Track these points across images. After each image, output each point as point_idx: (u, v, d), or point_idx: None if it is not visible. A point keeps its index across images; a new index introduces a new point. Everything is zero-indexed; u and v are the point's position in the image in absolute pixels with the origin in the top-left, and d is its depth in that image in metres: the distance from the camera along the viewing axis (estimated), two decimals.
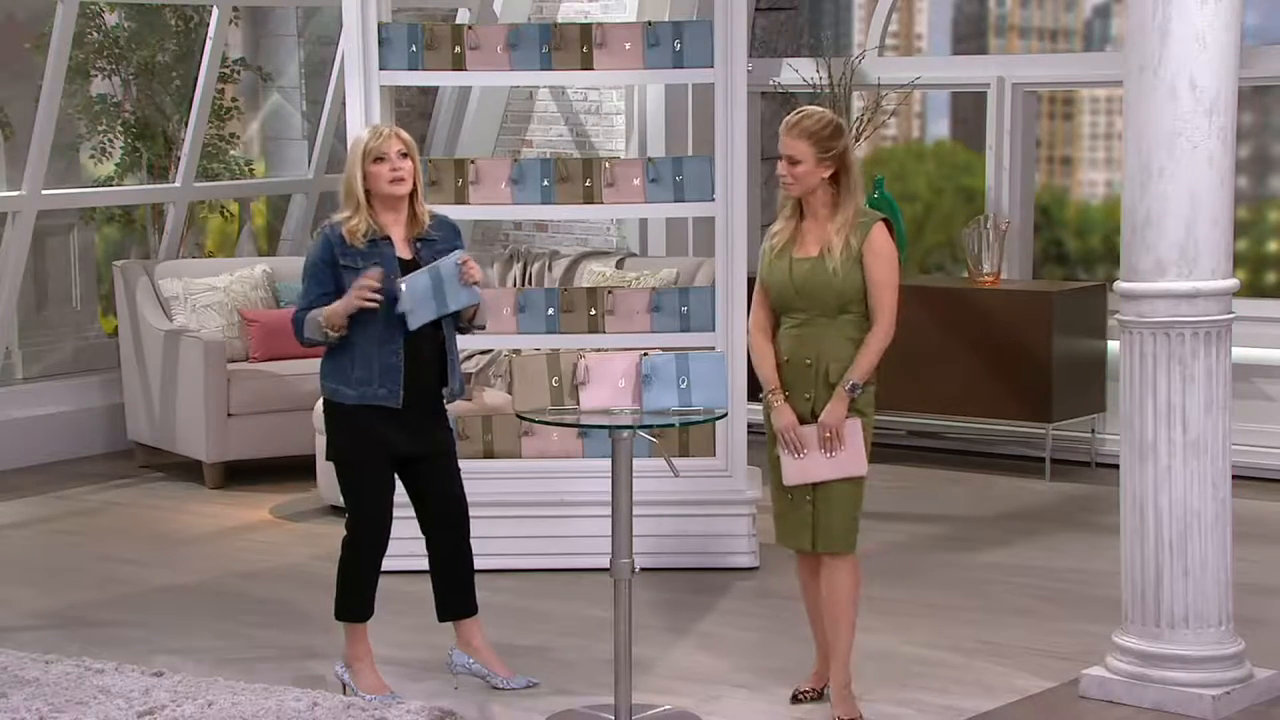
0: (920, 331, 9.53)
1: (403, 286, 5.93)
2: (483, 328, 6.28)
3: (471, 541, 6.31)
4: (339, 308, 5.98)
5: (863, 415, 5.85)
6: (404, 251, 6.08)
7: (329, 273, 6.04)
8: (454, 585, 6.31)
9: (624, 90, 10.73)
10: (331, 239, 6.06)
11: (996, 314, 9.58)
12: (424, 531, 6.28)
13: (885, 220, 5.87)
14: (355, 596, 6.21)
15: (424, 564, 6.35)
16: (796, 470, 5.86)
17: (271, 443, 9.59)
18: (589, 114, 10.89)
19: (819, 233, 5.86)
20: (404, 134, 6.09)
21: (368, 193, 6.05)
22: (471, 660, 6.31)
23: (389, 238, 6.06)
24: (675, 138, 10.69)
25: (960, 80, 10.49)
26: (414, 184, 6.08)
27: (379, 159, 6.02)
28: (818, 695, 6.14)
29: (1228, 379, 5.99)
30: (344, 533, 6.20)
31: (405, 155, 6.04)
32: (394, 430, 6.08)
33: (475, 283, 6.02)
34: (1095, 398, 9.68)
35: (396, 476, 6.21)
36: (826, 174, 5.83)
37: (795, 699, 6.16)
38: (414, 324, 5.97)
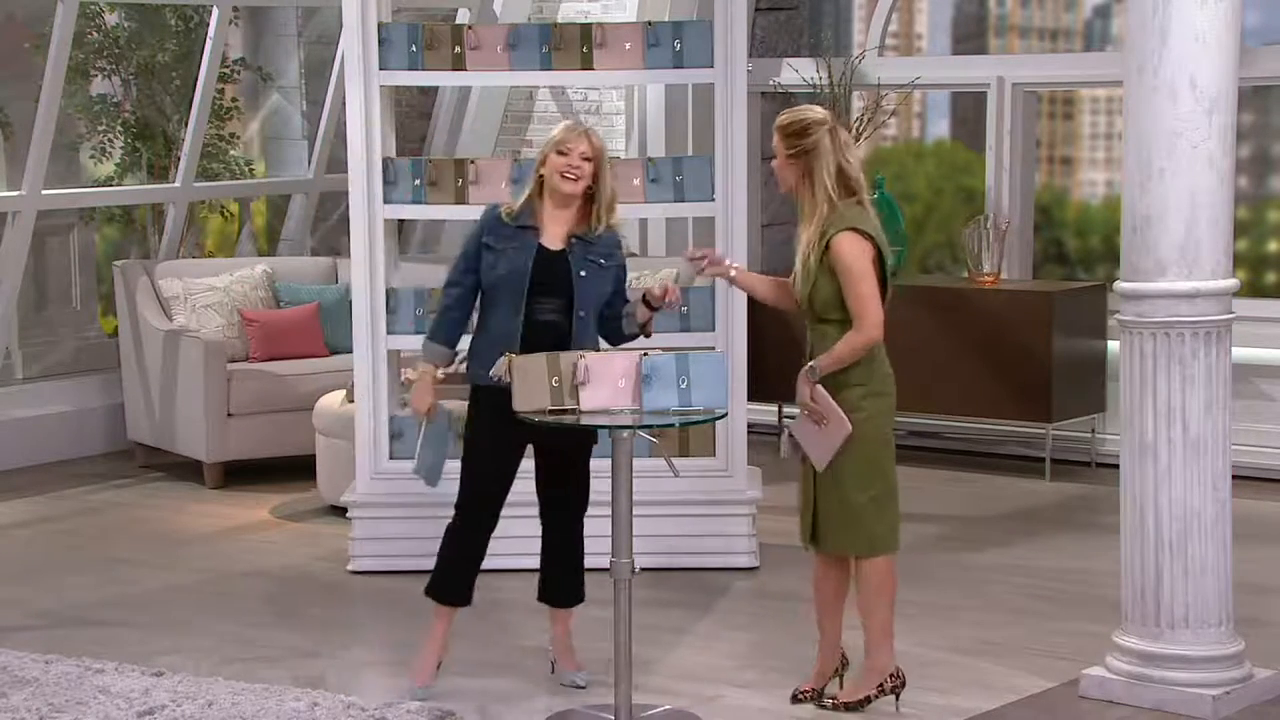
0: (920, 331, 9.53)
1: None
2: (649, 334, 6.27)
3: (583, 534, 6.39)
4: (415, 397, 6.23)
5: (855, 411, 5.88)
6: (553, 243, 6.12)
7: (477, 251, 6.14)
8: (558, 571, 6.38)
9: (624, 90, 10.73)
10: (490, 217, 6.16)
11: (996, 314, 9.58)
12: (543, 518, 6.37)
13: (852, 229, 5.85)
14: (437, 575, 6.26)
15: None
16: (816, 456, 5.94)
17: (271, 443, 9.60)
18: (589, 114, 10.89)
19: (802, 237, 5.95)
20: (596, 140, 6.15)
21: (541, 180, 6.11)
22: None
23: (536, 227, 6.12)
24: (675, 138, 10.70)
25: (960, 80, 10.49)
26: (594, 189, 6.11)
27: (562, 152, 6.08)
28: (818, 695, 6.15)
29: (1228, 379, 5.99)
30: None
31: (589, 159, 6.09)
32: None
33: (674, 300, 6.08)
34: (1095, 398, 9.68)
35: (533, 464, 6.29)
36: (798, 172, 5.88)
37: (795, 699, 6.17)
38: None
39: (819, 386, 5.86)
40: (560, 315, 6.12)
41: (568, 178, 6.08)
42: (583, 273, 6.11)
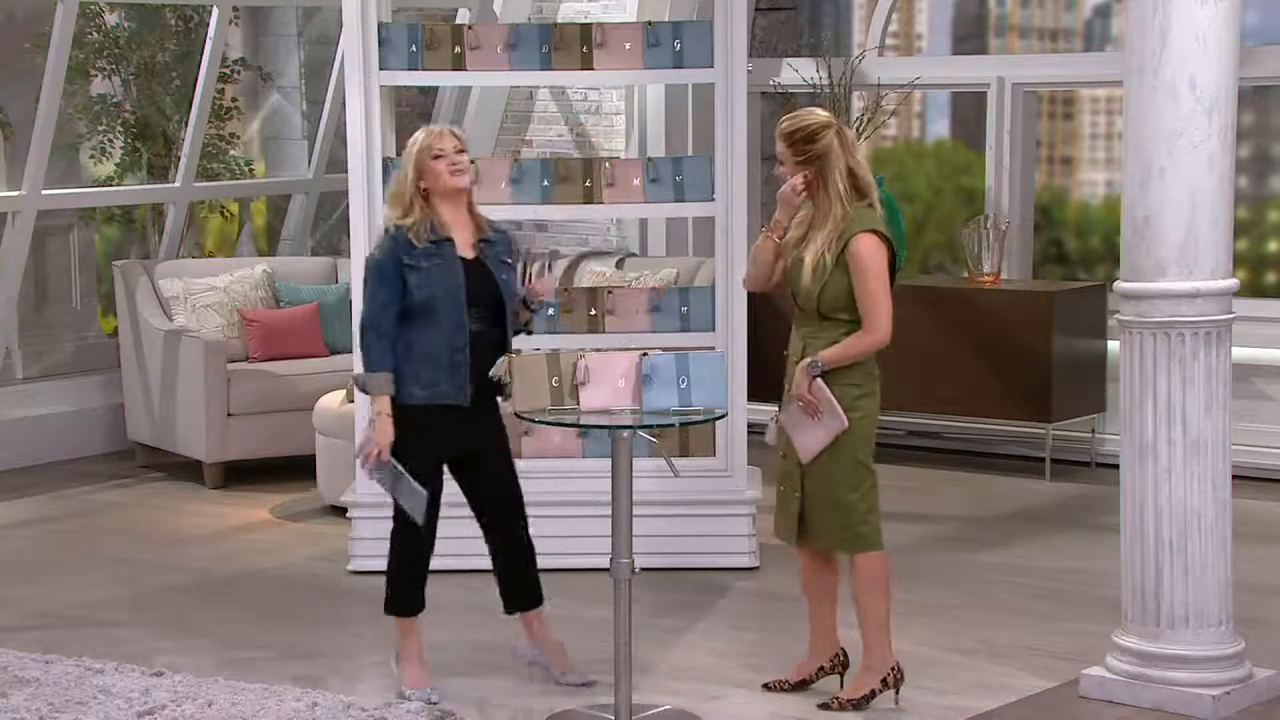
0: (920, 331, 9.52)
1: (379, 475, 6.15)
2: (531, 332, 6.34)
3: (531, 534, 6.35)
4: (381, 434, 6.08)
5: (852, 411, 5.89)
6: (466, 252, 6.11)
7: (397, 273, 6.06)
8: (519, 578, 6.35)
9: (624, 90, 10.73)
10: (399, 239, 6.08)
11: (996, 314, 9.58)
12: (481, 526, 6.34)
13: (873, 231, 5.87)
14: (398, 590, 6.26)
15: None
16: (803, 447, 5.95)
17: (271, 443, 9.60)
18: (589, 114, 10.89)
19: (815, 235, 5.92)
20: (458, 130, 6.16)
21: (426, 192, 6.07)
22: (535, 650, 6.37)
23: (451, 239, 6.09)
24: (675, 138, 10.70)
25: (960, 80, 10.49)
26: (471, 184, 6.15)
27: (437, 155, 6.05)
28: (791, 688, 6.19)
29: (1228, 379, 5.99)
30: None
31: (461, 151, 6.10)
32: (456, 425, 6.11)
33: (543, 298, 6.14)
34: (1095, 398, 9.68)
35: (450, 476, 6.27)
36: (810, 178, 5.89)
37: (766, 686, 6.23)
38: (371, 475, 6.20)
39: (818, 380, 5.87)
40: (485, 323, 6.10)
41: (456, 173, 6.07)
42: (504, 275, 6.13)
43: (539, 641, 6.38)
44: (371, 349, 6.09)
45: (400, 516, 6.18)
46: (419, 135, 6.13)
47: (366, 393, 6.17)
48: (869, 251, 5.85)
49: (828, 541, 6.04)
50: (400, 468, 6.07)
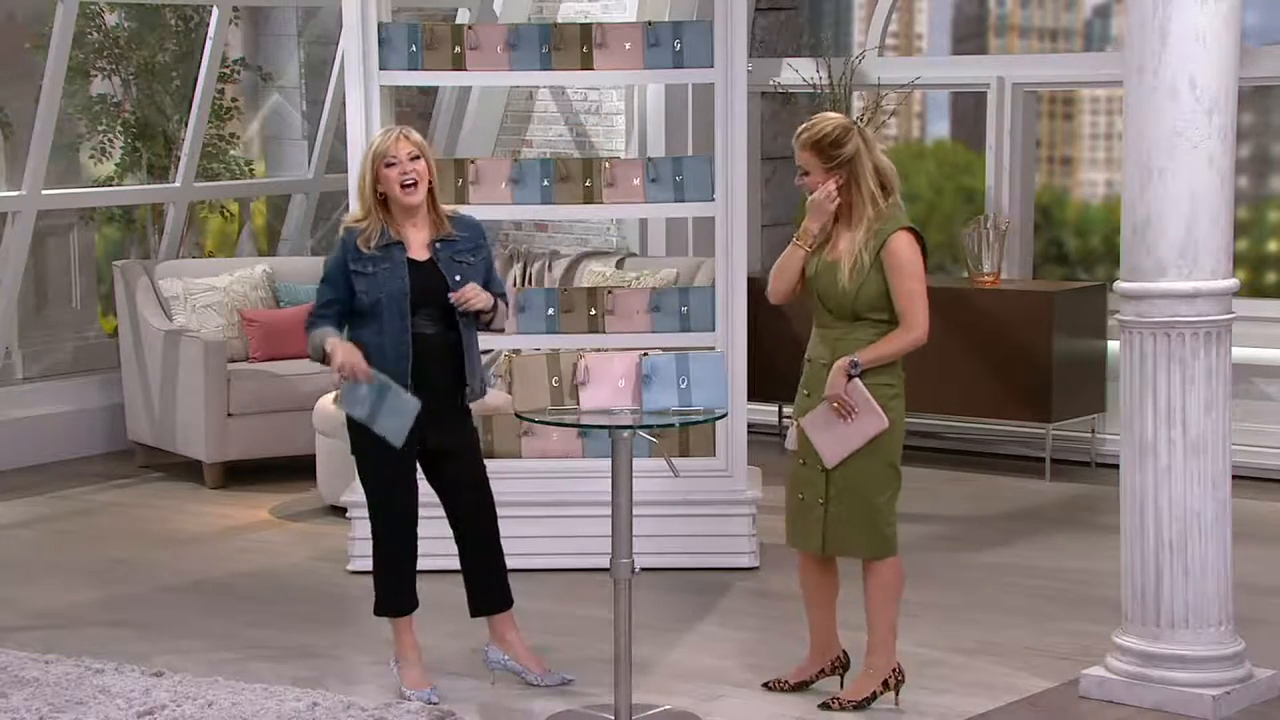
0: None
1: (349, 386, 6.02)
2: (501, 330, 6.33)
3: (501, 537, 6.31)
4: (340, 357, 5.99)
5: (887, 412, 5.86)
6: (419, 254, 6.07)
7: (344, 277, 6.06)
8: (483, 580, 6.31)
9: (624, 90, 10.74)
10: (348, 243, 6.07)
11: (996, 314, 9.58)
12: (452, 527, 6.30)
13: (907, 228, 5.87)
14: (385, 591, 6.24)
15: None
16: (830, 451, 5.89)
17: (271, 443, 9.60)
18: (589, 114, 10.90)
19: (844, 237, 5.90)
20: (415, 135, 6.07)
21: (383, 196, 6.05)
22: (506, 657, 6.32)
23: (401, 242, 6.05)
24: (675, 138, 10.70)
25: (960, 80, 10.49)
26: (430, 185, 6.08)
27: (390, 163, 6.01)
28: (791, 688, 6.18)
29: (1228, 379, 5.99)
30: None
31: (416, 157, 6.02)
32: (415, 425, 6.08)
33: (479, 310, 6.07)
34: (1095, 398, 9.68)
35: (423, 475, 6.24)
36: (841, 182, 5.86)
37: (766, 686, 6.22)
38: (348, 408, 6.07)
39: (856, 380, 5.84)
40: (436, 325, 6.07)
41: (408, 186, 6.01)
42: (458, 277, 6.07)
43: (511, 646, 6.33)
44: (311, 328, 6.08)
45: (377, 517, 6.17)
46: (376, 137, 6.10)
47: (323, 358, 6.06)
48: (906, 249, 5.84)
49: (851, 547, 5.97)
50: (385, 377, 5.99)
